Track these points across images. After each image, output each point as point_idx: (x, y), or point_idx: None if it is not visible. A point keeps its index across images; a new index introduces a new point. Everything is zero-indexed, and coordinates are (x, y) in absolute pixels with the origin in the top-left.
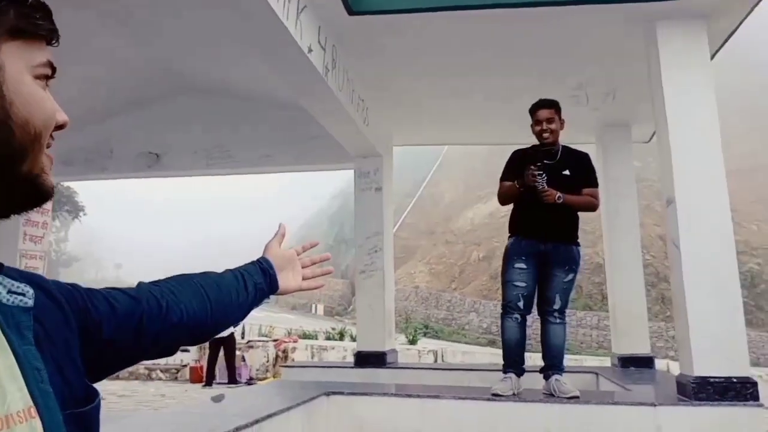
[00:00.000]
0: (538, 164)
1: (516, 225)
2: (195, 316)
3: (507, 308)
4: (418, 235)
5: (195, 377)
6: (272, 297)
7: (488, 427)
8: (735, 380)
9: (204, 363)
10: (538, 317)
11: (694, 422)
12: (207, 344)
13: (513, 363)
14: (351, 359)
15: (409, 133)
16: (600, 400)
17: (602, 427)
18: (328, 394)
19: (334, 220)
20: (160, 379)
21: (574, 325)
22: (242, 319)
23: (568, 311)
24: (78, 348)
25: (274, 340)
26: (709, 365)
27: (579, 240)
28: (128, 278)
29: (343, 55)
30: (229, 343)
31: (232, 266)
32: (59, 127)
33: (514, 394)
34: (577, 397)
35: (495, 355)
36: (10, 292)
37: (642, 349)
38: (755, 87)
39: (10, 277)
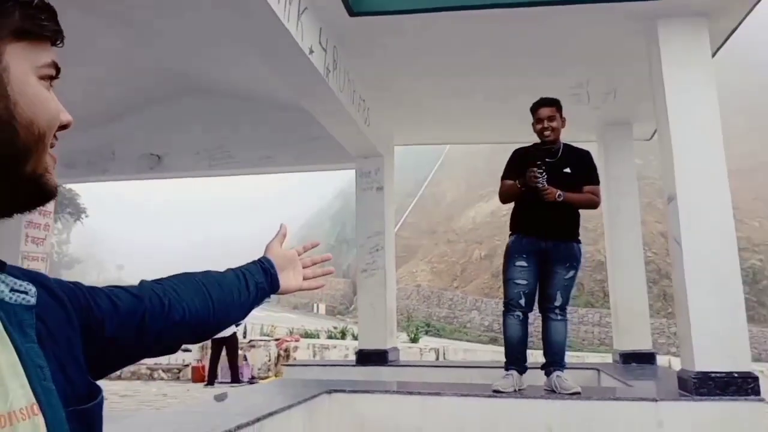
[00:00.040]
0: (538, 163)
1: (517, 223)
2: (197, 315)
3: (509, 306)
4: (420, 234)
5: (197, 377)
6: (273, 296)
7: (489, 423)
8: (736, 375)
9: (206, 363)
10: (540, 314)
11: (696, 417)
12: (209, 344)
13: (515, 360)
14: (353, 358)
15: (410, 132)
16: (601, 396)
17: (604, 423)
18: (329, 392)
19: (335, 219)
20: (162, 379)
21: (575, 322)
22: (243, 318)
23: (569, 308)
24: (80, 346)
25: (276, 340)
26: (710, 360)
27: (580, 237)
28: (130, 280)
29: (344, 55)
30: (232, 342)
31: (233, 267)
32: (63, 127)
33: (515, 391)
34: (579, 393)
35: (496, 353)
36: (12, 290)
37: (643, 345)
38: (756, 87)
39: (13, 276)
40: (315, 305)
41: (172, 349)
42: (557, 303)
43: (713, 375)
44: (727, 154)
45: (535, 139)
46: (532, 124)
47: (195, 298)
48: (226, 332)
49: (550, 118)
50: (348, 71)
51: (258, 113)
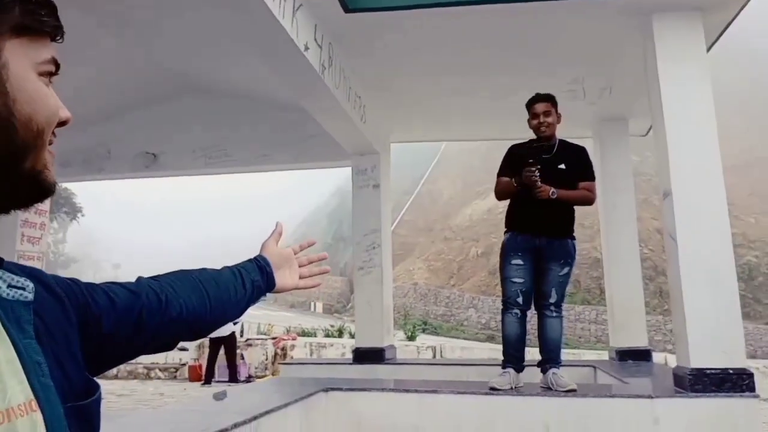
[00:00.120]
0: (530, 161)
1: (511, 221)
2: (194, 311)
3: (507, 304)
4: (417, 232)
5: (194, 376)
6: (270, 295)
7: (486, 421)
8: (731, 372)
9: (203, 361)
10: (536, 312)
11: (691, 414)
12: (206, 343)
13: (512, 358)
14: (350, 356)
15: (407, 130)
16: (597, 393)
17: (600, 420)
18: (326, 390)
19: (332, 217)
20: (158, 378)
21: (572, 319)
22: (239, 316)
23: (566, 306)
24: (78, 342)
25: (273, 338)
26: (705, 357)
27: (576, 234)
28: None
29: (339, 52)
30: (230, 341)
31: (229, 265)
32: (62, 123)
33: (512, 389)
34: (575, 391)
35: (494, 351)
36: (10, 286)
37: (639, 342)
38: (752, 82)
39: (10, 272)
40: (312, 304)
41: (169, 346)
42: (552, 300)
43: (708, 371)
44: (723, 149)
45: (532, 136)
46: (528, 120)
47: (192, 295)
48: (225, 331)
49: (546, 113)
50: (343, 68)
51: (254, 111)
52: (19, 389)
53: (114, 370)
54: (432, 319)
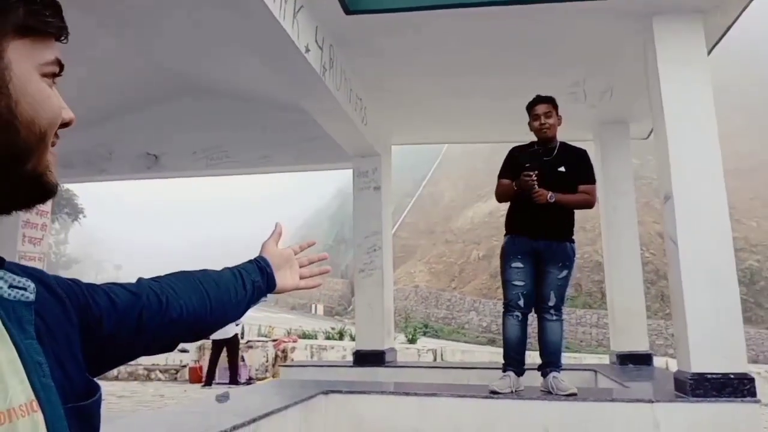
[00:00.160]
0: (527, 165)
1: (511, 223)
2: (194, 312)
3: (508, 307)
4: (418, 234)
5: (194, 377)
6: (270, 296)
7: (487, 424)
8: (732, 376)
9: (203, 363)
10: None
11: (692, 418)
12: (207, 344)
13: (513, 361)
14: (350, 359)
15: (408, 132)
16: (598, 398)
17: (600, 424)
18: (326, 392)
19: (333, 219)
20: (159, 379)
21: (573, 323)
22: (240, 317)
23: (567, 309)
24: (78, 343)
25: (274, 340)
26: (706, 362)
27: (578, 238)
28: (127, 280)
29: (340, 54)
30: (233, 343)
31: (230, 266)
32: (65, 124)
33: (512, 392)
34: (575, 395)
35: (494, 354)
36: (11, 286)
37: (640, 346)
38: (754, 85)
39: (12, 272)
40: (313, 306)
41: (169, 347)
42: (551, 303)
43: (709, 376)
44: (725, 153)
45: (533, 138)
46: (529, 123)
47: (192, 296)
48: (228, 333)
49: (547, 114)
50: (344, 70)
51: (255, 113)
52: (20, 389)
53: (114, 372)
54: (433, 322)
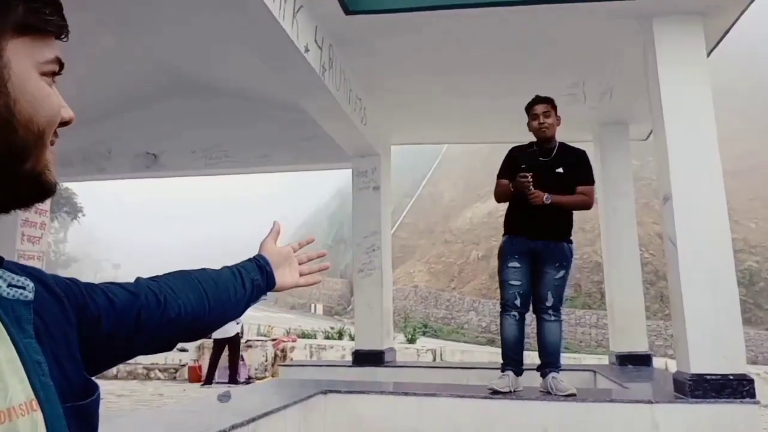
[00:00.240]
0: (523, 166)
1: (509, 224)
2: (193, 312)
3: (505, 306)
4: (417, 234)
5: (193, 377)
6: (270, 296)
7: (486, 425)
8: (731, 377)
9: (202, 362)
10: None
11: (691, 420)
12: (206, 344)
13: (511, 361)
14: (350, 358)
15: (408, 132)
16: (597, 398)
17: (599, 425)
18: (325, 392)
19: (333, 219)
20: (158, 378)
21: (573, 323)
22: (239, 316)
23: (567, 310)
24: (77, 342)
25: (273, 340)
26: (705, 363)
27: (578, 238)
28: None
29: (339, 54)
30: (235, 342)
31: (229, 264)
32: (65, 123)
33: (512, 392)
34: (574, 395)
35: (494, 354)
36: (10, 285)
37: (640, 347)
38: (753, 87)
39: (10, 271)
40: (312, 305)
41: (167, 347)
42: (549, 303)
43: (708, 377)
44: (725, 154)
45: (532, 139)
46: (528, 123)
47: (191, 295)
48: (230, 332)
49: (546, 114)
50: (344, 70)
51: (254, 112)
52: (20, 388)
53: (113, 371)
54: (432, 321)
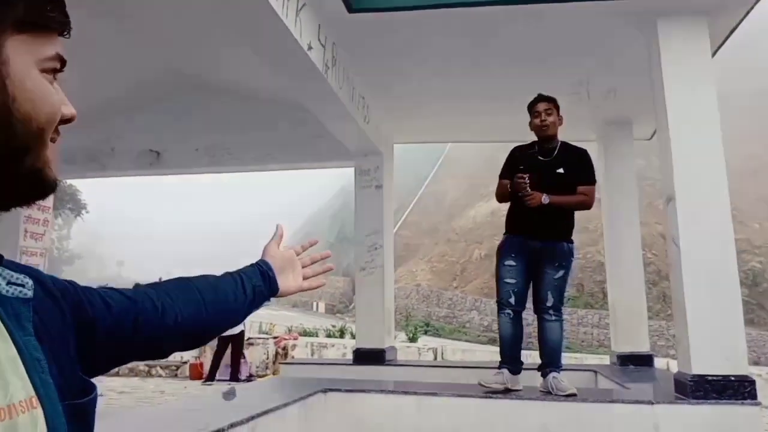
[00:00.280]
0: (521, 167)
1: (510, 223)
2: (190, 319)
3: (500, 305)
4: (420, 233)
5: (195, 374)
6: (273, 298)
7: (486, 424)
8: (733, 378)
9: (204, 360)
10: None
11: (692, 420)
12: (212, 340)
13: (507, 359)
14: (351, 356)
15: (410, 130)
16: (597, 398)
17: (600, 425)
18: (325, 391)
19: (336, 217)
20: (159, 375)
21: (575, 323)
22: (241, 322)
23: (569, 310)
24: (74, 343)
25: (275, 338)
26: (707, 363)
27: (582, 238)
28: (130, 276)
29: (343, 52)
30: (239, 340)
31: (239, 260)
32: (67, 120)
33: (506, 390)
34: (575, 395)
35: (495, 354)
36: (9, 283)
37: (641, 347)
38: (760, 88)
39: (10, 269)
40: (314, 303)
41: (163, 353)
42: (549, 303)
43: (710, 378)
44: (729, 155)
45: (535, 138)
46: (530, 122)
47: (189, 303)
48: (235, 329)
49: (547, 112)
50: (347, 68)
51: (257, 110)
52: (20, 386)
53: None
54: (434, 320)
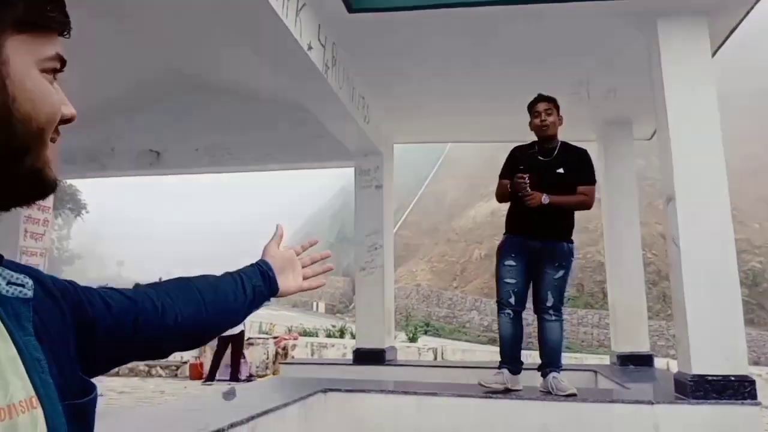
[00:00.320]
0: (521, 167)
1: (509, 223)
2: (190, 320)
3: (500, 304)
4: (421, 233)
5: (195, 374)
6: (273, 299)
7: (486, 424)
8: (733, 378)
9: (204, 360)
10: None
11: (692, 421)
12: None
13: (507, 359)
14: (350, 356)
15: (410, 130)
16: (597, 398)
17: (600, 425)
18: (325, 391)
19: (336, 217)
20: (159, 375)
21: (575, 323)
22: (240, 322)
23: (569, 309)
24: (74, 343)
25: (275, 338)
26: (707, 363)
27: (582, 237)
28: (130, 276)
29: (343, 52)
30: (239, 340)
31: (239, 260)
32: (67, 120)
33: (508, 390)
34: (575, 395)
35: (495, 354)
36: (9, 283)
37: (642, 347)
38: (760, 88)
39: (10, 269)
40: (314, 303)
41: (162, 353)
42: (549, 303)
43: (710, 378)
44: (729, 155)
45: (535, 138)
46: (530, 122)
47: (189, 303)
48: (235, 329)
49: (547, 112)
50: (347, 68)
51: (257, 111)
52: (20, 386)
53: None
54: (434, 320)
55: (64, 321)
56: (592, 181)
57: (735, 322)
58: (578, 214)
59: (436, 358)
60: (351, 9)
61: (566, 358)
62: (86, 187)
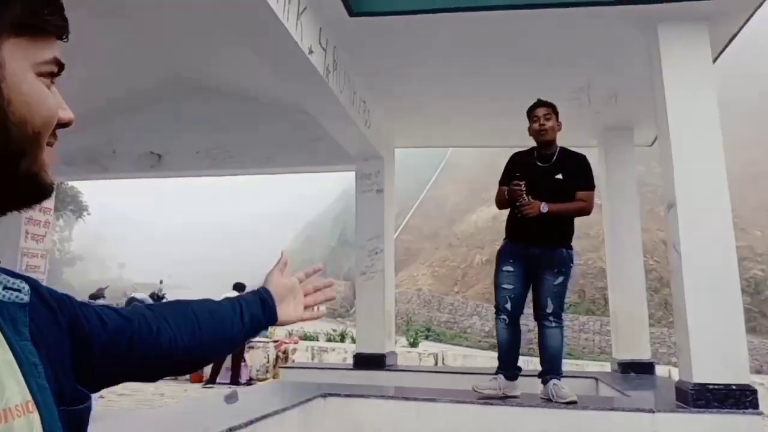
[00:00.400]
0: (517, 175)
1: (508, 229)
2: (184, 345)
3: (497, 310)
4: (422, 237)
5: (195, 377)
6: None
7: (485, 430)
8: (734, 387)
9: None
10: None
11: (693, 429)
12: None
13: (503, 364)
14: (351, 361)
15: (412, 135)
16: (598, 406)
17: None
18: (324, 395)
19: (337, 221)
20: None
21: (576, 330)
22: (235, 349)
23: (570, 316)
24: (69, 353)
25: (275, 341)
26: (708, 372)
27: (577, 243)
28: (131, 278)
29: (344, 56)
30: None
31: (240, 262)
32: (64, 124)
33: (504, 396)
34: (575, 402)
35: (496, 359)
36: (6, 288)
37: (643, 354)
38: (760, 94)
39: (6, 274)
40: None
41: (154, 377)
42: (549, 310)
43: (711, 387)
44: (730, 162)
45: (534, 145)
46: (529, 127)
47: (184, 328)
48: None
49: (546, 117)
50: (348, 72)
51: (258, 113)
52: (16, 390)
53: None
54: (435, 325)
55: (60, 330)
56: (591, 186)
57: (737, 330)
58: (579, 220)
59: (436, 364)
60: (352, 12)
61: (567, 365)
62: (88, 189)
